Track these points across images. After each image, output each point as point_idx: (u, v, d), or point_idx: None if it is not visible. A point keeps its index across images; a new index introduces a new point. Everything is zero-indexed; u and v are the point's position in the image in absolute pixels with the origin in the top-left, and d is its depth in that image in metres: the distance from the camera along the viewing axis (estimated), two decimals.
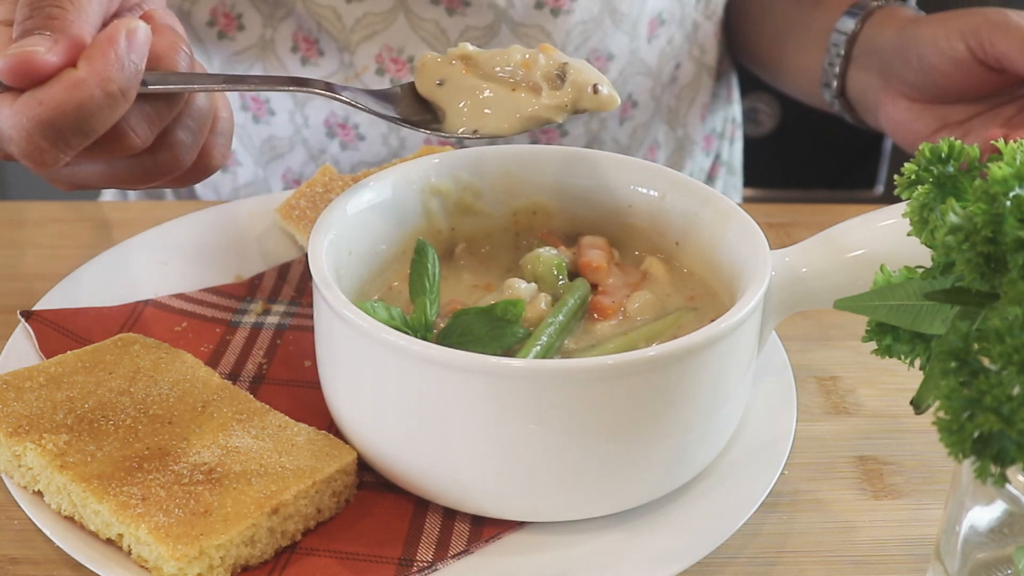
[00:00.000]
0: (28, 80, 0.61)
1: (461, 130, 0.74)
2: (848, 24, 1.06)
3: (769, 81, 1.26)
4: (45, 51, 0.61)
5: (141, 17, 0.67)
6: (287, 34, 1.10)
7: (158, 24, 0.66)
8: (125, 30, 0.62)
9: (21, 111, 0.61)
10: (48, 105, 0.60)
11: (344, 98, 0.71)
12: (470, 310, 0.71)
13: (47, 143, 0.61)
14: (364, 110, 0.72)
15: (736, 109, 1.34)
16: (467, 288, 0.79)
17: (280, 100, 1.13)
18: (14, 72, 0.61)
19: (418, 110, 0.75)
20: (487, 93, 0.74)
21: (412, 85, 0.76)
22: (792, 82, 1.19)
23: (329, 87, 0.71)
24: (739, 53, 1.28)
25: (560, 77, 0.73)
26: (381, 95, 0.74)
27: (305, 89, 0.71)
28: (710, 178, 1.32)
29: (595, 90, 0.73)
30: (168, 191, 1.27)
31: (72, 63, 0.61)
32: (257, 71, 1.13)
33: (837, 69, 1.07)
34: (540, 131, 1.14)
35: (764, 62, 1.24)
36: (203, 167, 0.71)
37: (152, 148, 0.67)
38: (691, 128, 1.25)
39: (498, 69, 0.74)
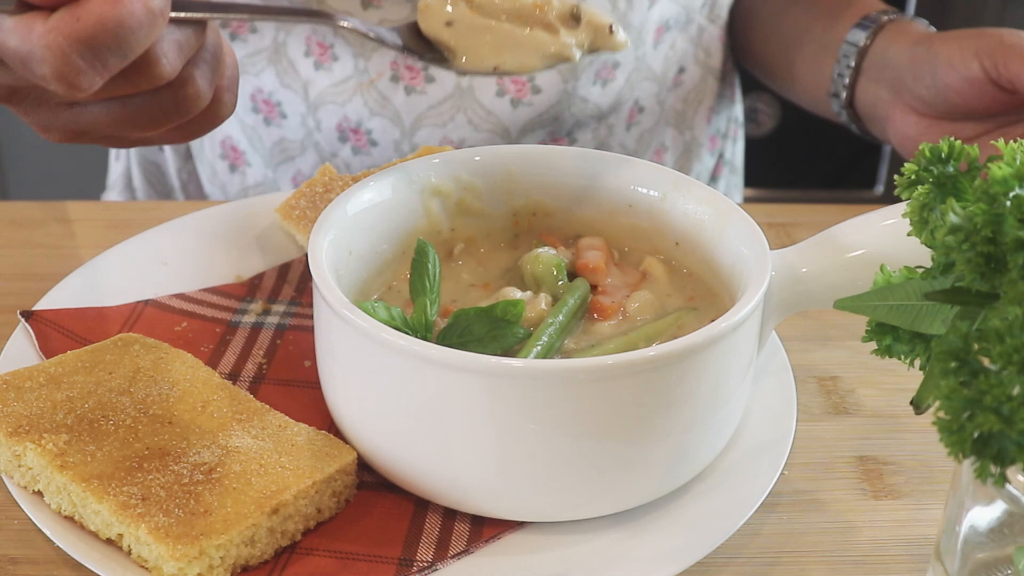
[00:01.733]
0: None
1: (481, 67, 0.73)
2: (859, 36, 1.06)
3: (774, 88, 1.26)
4: None
5: None
6: (300, 38, 1.10)
7: None
8: None
9: (57, 28, 0.57)
10: (87, 22, 0.56)
11: (346, 25, 0.70)
12: (470, 310, 0.71)
13: (84, 63, 0.57)
14: (371, 37, 0.71)
15: (738, 108, 1.34)
16: (465, 288, 0.79)
17: (292, 104, 1.13)
18: None
19: (423, 50, 0.74)
20: (502, 33, 0.73)
21: (414, 26, 0.75)
22: (799, 91, 1.19)
23: (330, 18, 0.70)
24: (744, 59, 1.28)
25: (575, 18, 0.73)
26: (383, 31, 0.73)
27: (313, 20, 0.70)
28: (713, 178, 1.32)
29: (611, 30, 0.73)
30: (176, 187, 1.27)
31: None
32: (269, 74, 1.12)
33: (847, 80, 1.07)
34: (549, 137, 1.15)
35: (771, 70, 1.24)
36: (214, 114, 0.68)
37: (174, 82, 0.63)
38: (698, 131, 1.25)
39: (511, 8, 0.73)
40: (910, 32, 1.03)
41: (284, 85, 1.12)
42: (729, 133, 1.33)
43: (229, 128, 1.19)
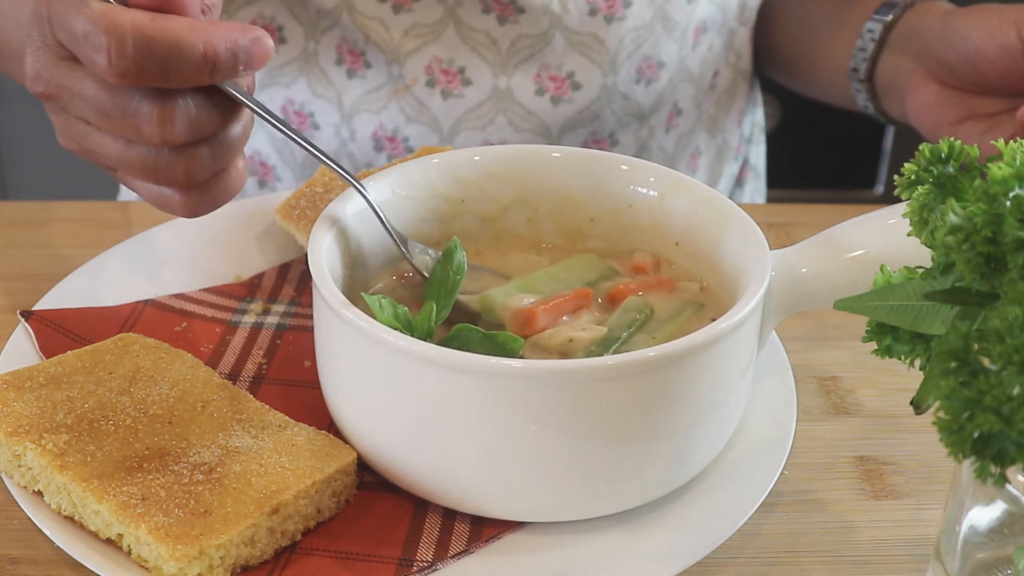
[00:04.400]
0: None
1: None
2: (887, 12, 1.07)
3: (790, 82, 1.25)
4: None
5: None
6: (331, 46, 1.08)
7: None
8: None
9: (133, 19, 0.60)
10: (156, 26, 0.60)
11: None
12: (473, 332, 0.71)
13: (132, 52, 0.60)
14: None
15: (760, 113, 1.34)
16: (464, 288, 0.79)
17: (325, 114, 1.12)
18: None
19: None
20: None
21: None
22: (817, 75, 1.19)
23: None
24: (762, 57, 1.27)
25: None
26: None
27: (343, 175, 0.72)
28: (739, 183, 1.31)
29: None
30: None
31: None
32: (300, 84, 1.11)
33: (868, 53, 1.07)
34: (591, 138, 1.14)
35: (790, 60, 1.24)
36: (217, 194, 0.68)
37: (177, 149, 0.65)
38: (729, 134, 1.25)
39: None
40: (940, 7, 1.04)
41: (317, 95, 1.11)
42: (754, 138, 1.32)
43: (258, 143, 1.18)
